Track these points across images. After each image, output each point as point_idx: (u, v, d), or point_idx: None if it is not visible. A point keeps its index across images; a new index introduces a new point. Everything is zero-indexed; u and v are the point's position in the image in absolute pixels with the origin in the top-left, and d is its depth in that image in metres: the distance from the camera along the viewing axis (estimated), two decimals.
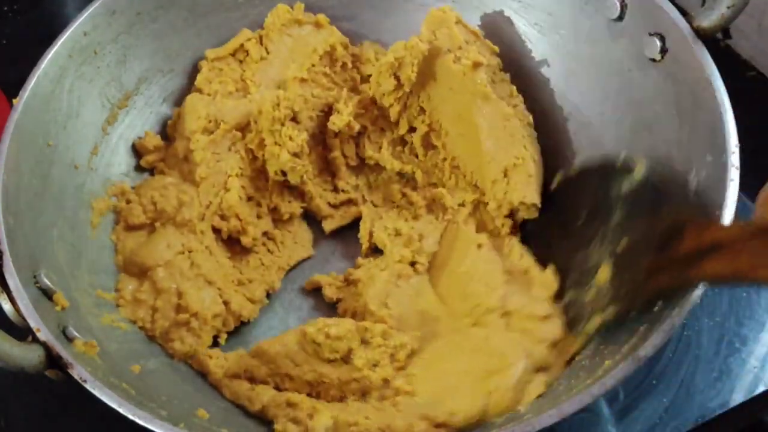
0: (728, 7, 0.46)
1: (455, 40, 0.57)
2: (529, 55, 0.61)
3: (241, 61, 0.64)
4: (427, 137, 0.61)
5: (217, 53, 0.63)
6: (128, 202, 0.56)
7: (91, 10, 0.55)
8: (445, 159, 0.60)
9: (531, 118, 0.59)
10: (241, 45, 0.64)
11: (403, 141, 0.63)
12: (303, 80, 0.61)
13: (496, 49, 0.60)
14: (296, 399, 0.47)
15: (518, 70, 0.61)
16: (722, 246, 0.34)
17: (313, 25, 0.64)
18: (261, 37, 0.64)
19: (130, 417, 0.38)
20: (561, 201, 0.53)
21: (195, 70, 0.63)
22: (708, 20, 0.47)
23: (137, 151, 0.60)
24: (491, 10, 0.62)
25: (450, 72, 0.57)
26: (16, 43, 0.77)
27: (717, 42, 0.69)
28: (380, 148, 0.62)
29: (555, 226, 0.52)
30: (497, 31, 0.62)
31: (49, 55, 0.52)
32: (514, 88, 0.59)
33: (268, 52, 0.64)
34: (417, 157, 0.62)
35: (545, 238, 0.52)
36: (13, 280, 0.42)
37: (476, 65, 0.56)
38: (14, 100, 0.49)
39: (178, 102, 0.63)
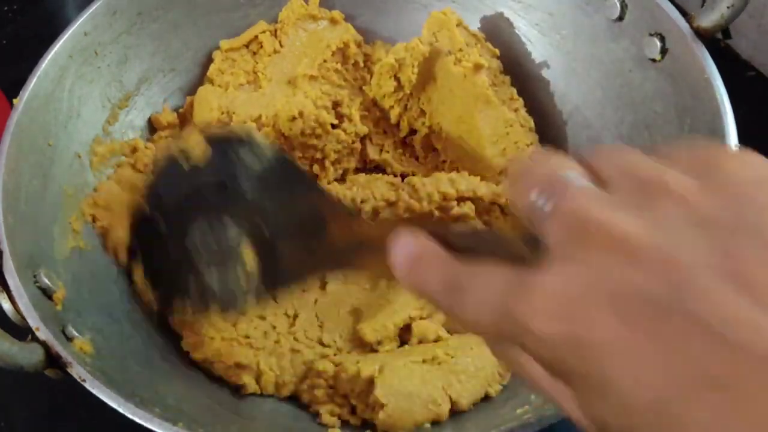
0: (728, 7, 0.46)
1: (456, 42, 0.57)
2: (529, 57, 0.61)
3: (254, 53, 0.64)
4: (428, 139, 0.61)
5: (231, 44, 0.63)
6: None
7: (91, 10, 0.55)
8: (444, 161, 0.60)
9: (532, 122, 0.59)
10: (256, 37, 0.63)
11: (404, 144, 0.63)
12: (313, 77, 0.61)
13: (497, 52, 0.60)
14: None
15: (519, 71, 0.61)
16: (369, 241, 0.32)
17: (329, 21, 0.64)
18: (276, 30, 0.64)
19: (130, 416, 0.38)
20: None
21: (196, 70, 0.63)
22: (708, 20, 0.47)
23: (152, 125, 0.61)
24: (492, 11, 0.62)
25: (450, 74, 0.57)
26: (16, 43, 0.77)
27: (717, 42, 0.68)
28: (381, 150, 0.62)
29: None
30: (498, 34, 0.62)
31: (50, 55, 0.52)
32: (515, 90, 0.59)
33: (281, 46, 0.63)
34: (417, 159, 0.62)
35: None
36: (13, 279, 0.42)
37: (477, 68, 0.56)
38: (14, 100, 0.49)
39: (179, 102, 0.63)
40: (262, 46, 0.63)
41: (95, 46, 0.55)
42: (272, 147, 0.38)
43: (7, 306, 0.41)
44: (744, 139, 0.44)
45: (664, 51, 0.49)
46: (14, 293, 0.41)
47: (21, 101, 0.49)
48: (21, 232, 0.45)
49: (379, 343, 0.50)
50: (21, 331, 0.40)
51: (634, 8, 0.51)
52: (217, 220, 0.37)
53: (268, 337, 0.52)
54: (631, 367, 0.18)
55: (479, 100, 0.56)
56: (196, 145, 0.38)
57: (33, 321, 0.40)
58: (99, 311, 0.49)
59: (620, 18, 0.52)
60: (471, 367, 0.47)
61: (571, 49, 0.58)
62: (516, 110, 0.58)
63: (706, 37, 0.47)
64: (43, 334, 0.40)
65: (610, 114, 0.55)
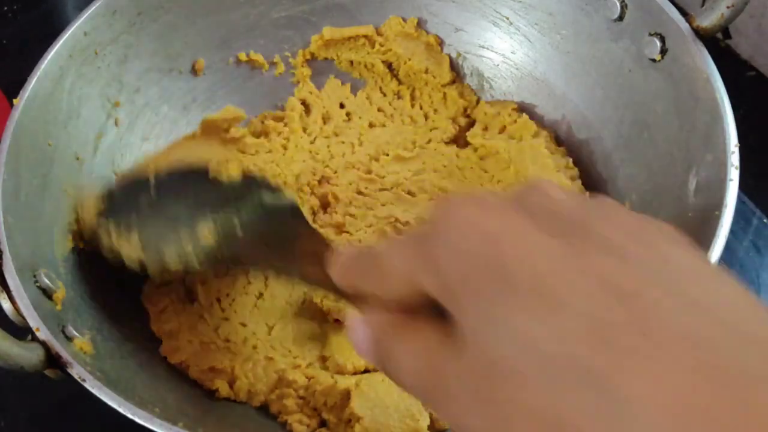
0: (728, 7, 0.46)
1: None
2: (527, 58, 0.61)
3: None
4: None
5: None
6: None
7: (91, 10, 0.55)
8: None
9: (588, 195, 0.58)
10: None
11: None
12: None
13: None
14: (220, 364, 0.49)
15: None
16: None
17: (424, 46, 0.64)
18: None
19: (130, 416, 0.38)
20: None
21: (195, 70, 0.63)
22: (708, 20, 0.47)
23: None
24: (492, 11, 0.62)
25: (510, 143, 0.57)
26: (16, 43, 0.77)
27: (717, 42, 0.68)
28: None
29: None
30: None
31: (50, 55, 0.52)
32: (570, 160, 0.58)
33: None
34: None
35: None
36: (13, 279, 0.42)
37: (535, 134, 0.57)
38: (14, 100, 0.49)
39: (178, 101, 0.63)
40: None
41: (95, 46, 0.55)
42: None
43: (7, 306, 0.41)
44: (744, 138, 0.44)
45: (664, 51, 0.49)
46: (14, 293, 0.41)
47: (21, 101, 0.49)
48: (21, 232, 0.45)
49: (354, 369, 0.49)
50: (21, 331, 0.40)
51: (634, 8, 0.51)
52: (195, 209, 0.45)
53: (246, 343, 0.51)
54: None
55: (536, 165, 0.55)
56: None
57: (33, 321, 0.40)
58: (99, 311, 0.49)
59: (620, 18, 0.52)
60: None
61: (571, 49, 0.58)
62: (572, 179, 0.56)
63: (706, 37, 0.47)
64: (43, 334, 0.40)
65: (610, 114, 0.55)
